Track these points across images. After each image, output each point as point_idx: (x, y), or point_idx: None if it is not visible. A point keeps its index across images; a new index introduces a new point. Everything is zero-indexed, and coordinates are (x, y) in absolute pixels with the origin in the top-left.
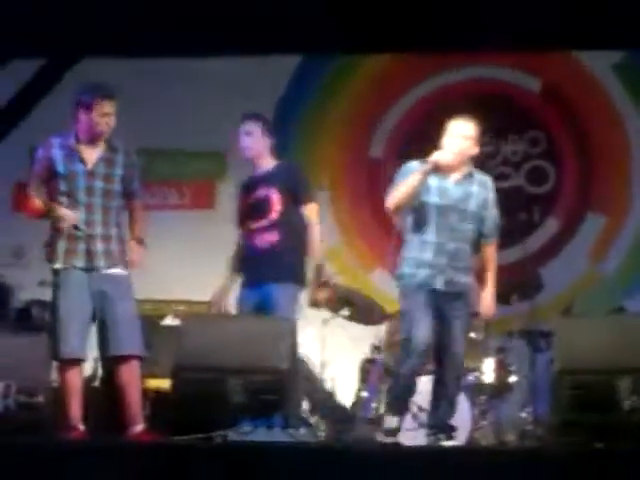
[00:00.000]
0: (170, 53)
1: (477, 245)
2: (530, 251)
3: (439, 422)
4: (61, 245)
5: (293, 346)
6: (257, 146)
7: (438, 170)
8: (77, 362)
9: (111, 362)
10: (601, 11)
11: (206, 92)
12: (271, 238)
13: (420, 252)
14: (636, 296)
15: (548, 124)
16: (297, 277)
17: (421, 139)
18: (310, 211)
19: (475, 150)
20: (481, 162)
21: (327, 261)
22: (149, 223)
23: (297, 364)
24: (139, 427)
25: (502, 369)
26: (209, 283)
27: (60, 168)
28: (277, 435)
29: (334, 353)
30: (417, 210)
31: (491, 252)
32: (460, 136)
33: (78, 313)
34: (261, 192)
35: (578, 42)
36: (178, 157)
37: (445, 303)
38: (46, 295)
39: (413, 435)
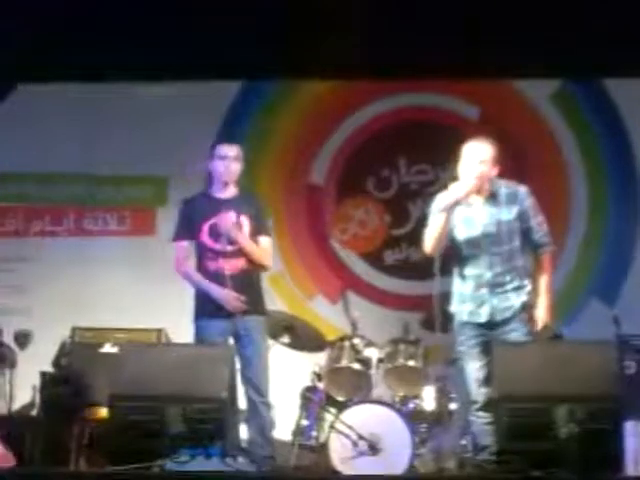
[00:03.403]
0: (113, 78)
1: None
2: None
3: None
4: None
5: (231, 374)
6: (236, 170)
7: (461, 202)
8: None
9: None
10: (539, 41)
11: (149, 118)
12: (240, 264)
13: (461, 287)
14: (573, 324)
15: None
16: (264, 308)
17: (361, 166)
18: (267, 243)
19: (494, 171)
20: (420, 189)
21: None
22: (89, 249)
23: (236, 392)
24: None
25: (442, 397)
26: (148, 311)
27: None
28: (215, 464)
29: (274, 381)
30: (451, 246)
31: (544, 261)
32: (476, 161)
33: None
34: (229, 216)
35: (516, 71)
36: (122, 183)
37: (496, 332)
38: None
39: (353, 463)
